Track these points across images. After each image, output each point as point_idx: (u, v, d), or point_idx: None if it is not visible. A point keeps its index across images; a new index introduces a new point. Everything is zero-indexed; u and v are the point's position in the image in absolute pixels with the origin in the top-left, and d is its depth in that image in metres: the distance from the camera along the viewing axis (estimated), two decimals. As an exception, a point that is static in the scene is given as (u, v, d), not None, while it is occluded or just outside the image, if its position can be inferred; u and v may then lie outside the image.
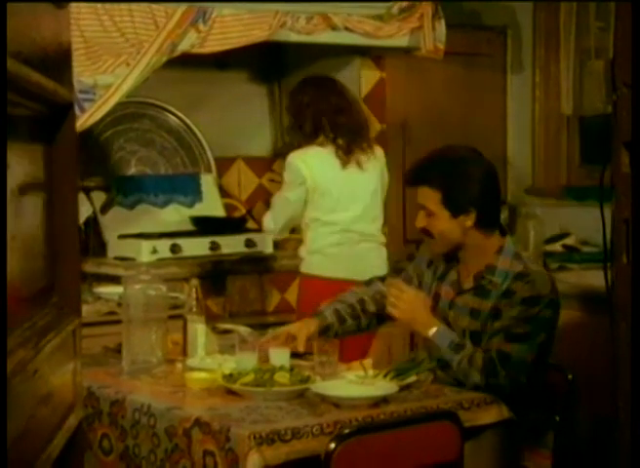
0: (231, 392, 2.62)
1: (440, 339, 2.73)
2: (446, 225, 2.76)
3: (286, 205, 3.93)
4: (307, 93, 3.95)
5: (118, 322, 3.07)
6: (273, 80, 4.85)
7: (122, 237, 4.16)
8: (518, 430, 2.71)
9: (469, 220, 2.75)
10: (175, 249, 4.04)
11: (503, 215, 4.75)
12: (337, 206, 3.86)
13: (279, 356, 2.81)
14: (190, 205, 4.50)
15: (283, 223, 3.99)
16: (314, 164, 3.86)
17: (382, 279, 3.10)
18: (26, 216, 1.59)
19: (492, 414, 2.61)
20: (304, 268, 3.92)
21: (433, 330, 2.74)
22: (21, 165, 1.56)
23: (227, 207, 4.65)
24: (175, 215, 4.44)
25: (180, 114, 4.58)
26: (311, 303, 3.35)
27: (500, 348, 2.66)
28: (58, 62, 1.77)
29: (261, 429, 2.31)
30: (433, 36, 4.26)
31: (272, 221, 4.02)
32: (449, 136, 4.83)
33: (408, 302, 2.79)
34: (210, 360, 2.93)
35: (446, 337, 2.73)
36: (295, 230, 4.21)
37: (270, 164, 4.83)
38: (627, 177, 2.02)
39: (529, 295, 2.68)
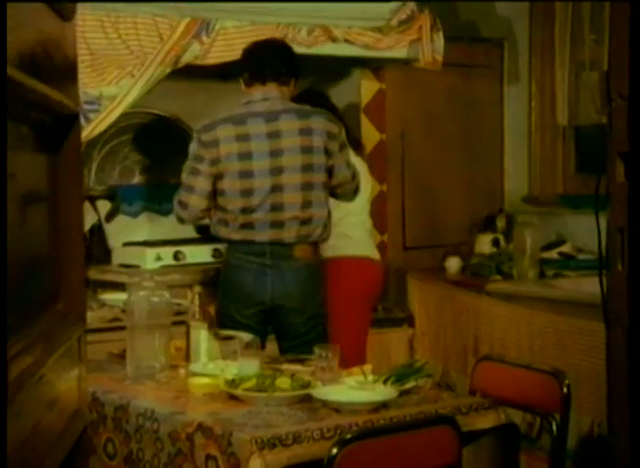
0: (233, 397, 2.65)
1: None
2: None
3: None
4: None
5: (122, 328, 3.10)
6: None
7: (126, 245, 4.19)
8: (516, 434, 2.73)
9: None
10: (178, 256, 4.06)
11: (500, 223, 4.80)
12: None
13: (249, 366, 2.82)
14: (193, 213, 4.51)
15: None
16: None
17: None
18: (32, 225, 1.60)
19: (490, 419, 2.63)
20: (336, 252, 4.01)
21: None
22: (28, 174, 1.57)
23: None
24: (178, 223, 4.45)
25: (183, 124, 4.61)
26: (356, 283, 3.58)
27: None
28: (63, 74, 1.78)
29: (263, 434, 2.33)
30: (432, 48, 4.29)
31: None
32: (447, 145, 4.87)
33: None
34: (212, 365, 2.95)
35: None
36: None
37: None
38: (622, 187, 2.04)
39: None
